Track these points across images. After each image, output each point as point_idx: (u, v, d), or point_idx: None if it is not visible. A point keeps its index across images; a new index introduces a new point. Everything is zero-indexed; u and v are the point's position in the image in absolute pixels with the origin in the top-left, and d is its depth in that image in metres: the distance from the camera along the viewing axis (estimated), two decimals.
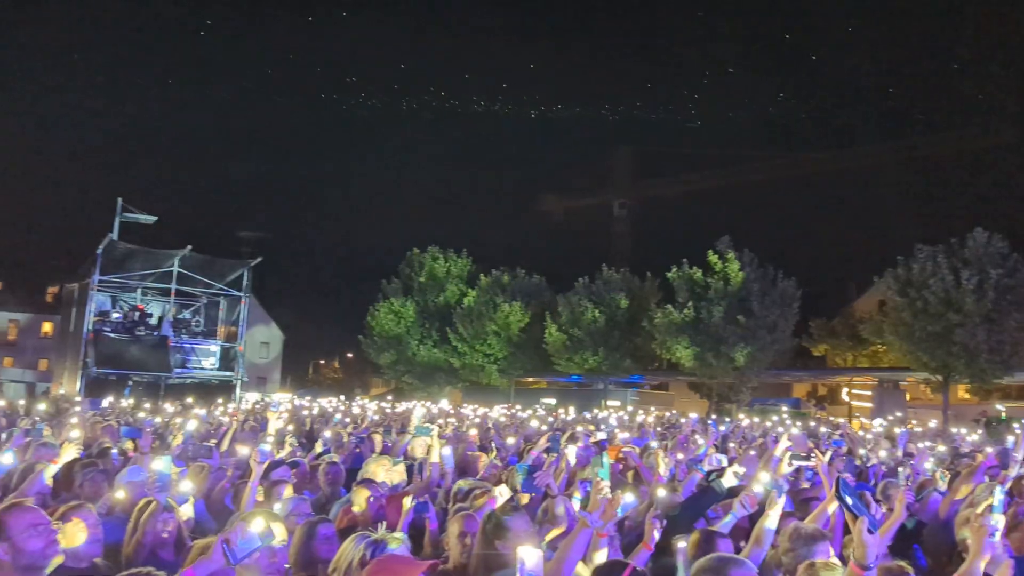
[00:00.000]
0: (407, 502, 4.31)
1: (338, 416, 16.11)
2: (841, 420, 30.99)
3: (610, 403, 40.71)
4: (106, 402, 18.50)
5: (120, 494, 5.14)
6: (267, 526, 3.29)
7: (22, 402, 19.73)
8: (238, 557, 3.14)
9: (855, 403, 46.21)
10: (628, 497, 3.61)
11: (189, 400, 20.68)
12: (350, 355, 75.84)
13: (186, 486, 4.66)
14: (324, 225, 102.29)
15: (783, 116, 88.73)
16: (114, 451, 7.30)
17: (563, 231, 78.06)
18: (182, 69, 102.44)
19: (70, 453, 5.86)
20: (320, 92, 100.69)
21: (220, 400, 22.90)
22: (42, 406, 14.90)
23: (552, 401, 44.13)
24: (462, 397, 46.81)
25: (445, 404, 28.32)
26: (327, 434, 9.53)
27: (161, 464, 4.56)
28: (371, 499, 4.56)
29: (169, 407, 18.23)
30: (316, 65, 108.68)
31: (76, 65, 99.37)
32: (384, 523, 3.97)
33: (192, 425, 9.40)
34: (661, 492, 4.77)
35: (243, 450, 6.95)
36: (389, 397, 40.25)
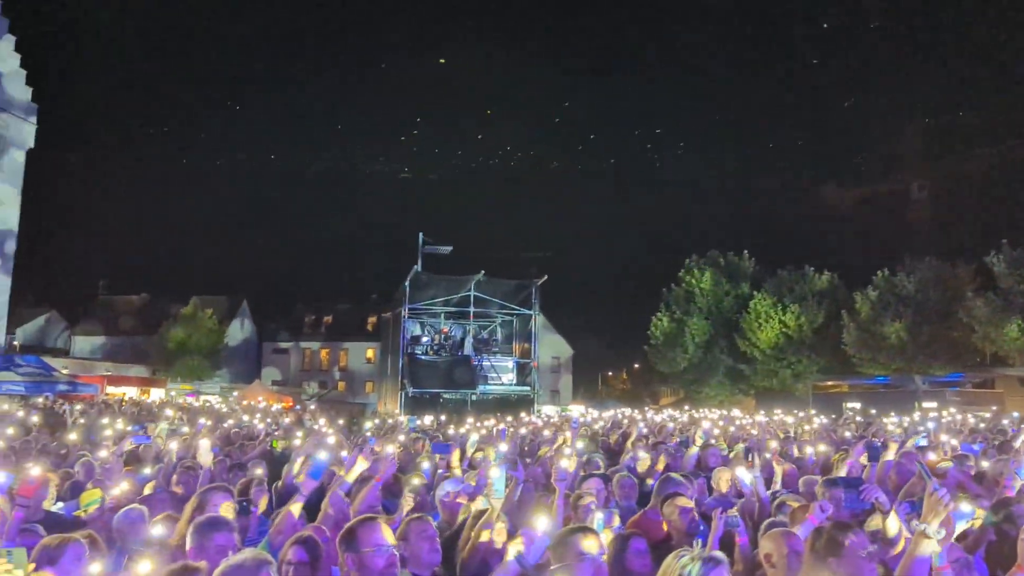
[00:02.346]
0: (715, 517, 4.25)
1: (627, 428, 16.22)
2: None
3: (926, 405, 36.92)
4: (425, 419, 20.39)
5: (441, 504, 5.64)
6: (553, 529, 3.37)
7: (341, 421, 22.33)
8: (529, 562, 3.27)
9: None
10: (964, 507, 3.26)
11: (499, 415, 22.01)
12: (637, 366, 76.22)
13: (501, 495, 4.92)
14: (602, 239, 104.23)
15: None
16: (425, 466, 7.94)
17: (853, 222, 72.31)
18: (469, 111, 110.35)
19: (390, 469, 6.54)
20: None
21: (523, 414, 24.22)
22: (369, 424, 16.81)
23: (856, 405, 41.06)
24: (755, 404, 45.06)
25: (737, 413, 27.42)
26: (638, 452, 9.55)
27: (496, 473, 4.80)
28: (684, 512, 4.55)
29: (471, 422, 19.54)
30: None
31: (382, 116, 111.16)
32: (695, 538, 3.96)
33: (475, 437, 9.98)
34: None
35: (559, 462, 7.32)
36: (686, 407, 39.79)
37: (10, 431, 10.98)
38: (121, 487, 6.34)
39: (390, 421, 19.94)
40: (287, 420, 18.88)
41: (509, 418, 20.95)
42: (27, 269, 39.90)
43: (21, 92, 36.19)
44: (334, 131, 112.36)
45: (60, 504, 6.74)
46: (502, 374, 33.10)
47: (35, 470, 4.72)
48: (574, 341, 71.51)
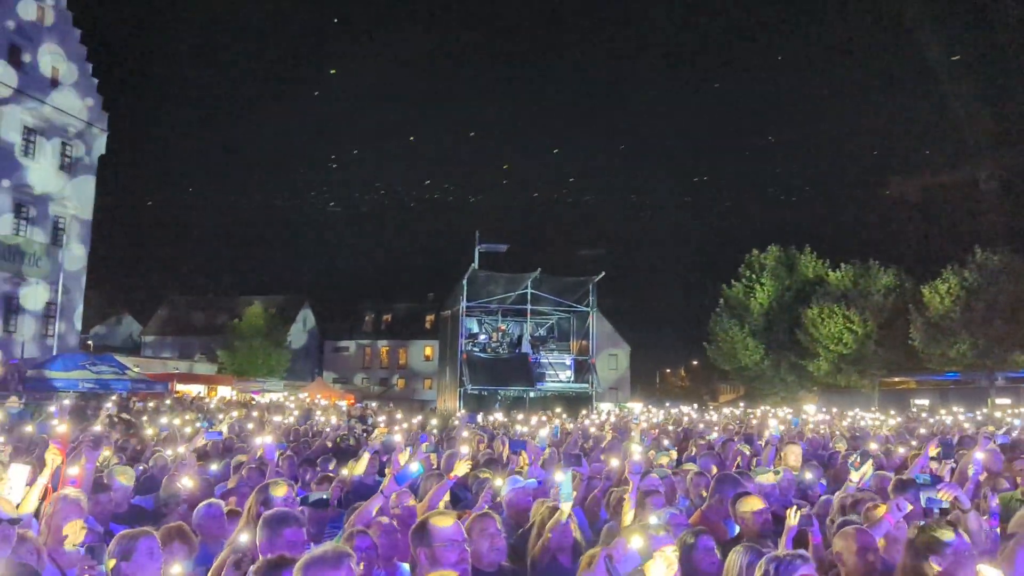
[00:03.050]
0: (791, 514, 4.18)
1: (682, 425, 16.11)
2: None
3: (999, 401, 35.73)
4: (480, 417, 20.53)
5: (508, 501, 5.67)
6: (647, 543, 3.34)
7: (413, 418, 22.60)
8: (619, 573, 3.29)
9: None
10: None
11: (558, 410, 22.04)
12: (696, 362, 75.45)
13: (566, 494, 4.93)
14: (661, 235, 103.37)
15: None
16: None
17: (919, 214, 70.14)
18: (538, 111, 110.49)
19: (462, 468, 6.59)
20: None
21: (584, 411, 24.18)
22: (434, 421, 17.02)
23: (924, 402, 39.96)
24: (818, 401, 44.18)
25: (811, 408, 26.90)
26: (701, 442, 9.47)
27: (562, 476, 4.77)
28: (757, 513, 4.47)
29: (534, 419, 19.58)
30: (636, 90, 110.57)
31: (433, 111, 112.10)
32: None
33: (544, 432, 10.00)
34: None
35: (613, 461, 7.31)
36: (741, 404, 39.25)
37: (97, 427, 11.37)
38: (194, 482, 6.55)
39: (455, 420, 20.14)
40: (351, 417, 19.22)
41: (564, 415, 20.95)
42: (100, 271, 41.39)
43: (93, 100, 37.48)
44: (389, 131, 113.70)
45: (137, 498, 6.97)
46: (560, 371, 33.06)
47: (72, 469, 4.81)
48: (632, 338, 71.16)
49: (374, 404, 36.87)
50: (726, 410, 30.74)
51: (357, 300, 72.84)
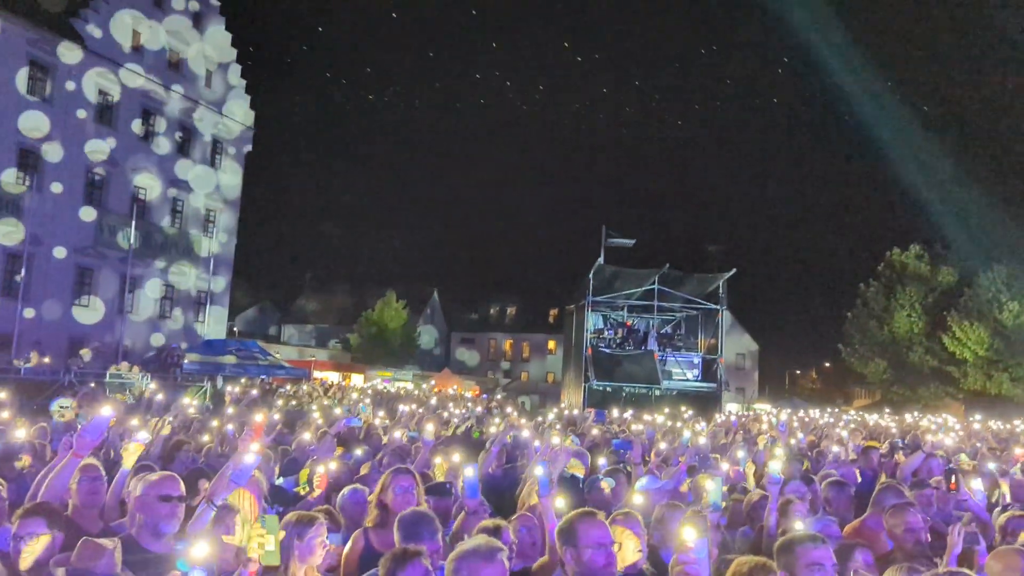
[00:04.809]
0: (952, 532, 3.92)
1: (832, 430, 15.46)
2: None
3: None
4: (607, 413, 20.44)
5: (638, 500, 5.61)
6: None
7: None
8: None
9: None
10: None
11: (684, 410, 21.68)
12: (828, 364, 72.52)
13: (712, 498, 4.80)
14: (792, 232, 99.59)
15: None
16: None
17: None
18: (662, 100, 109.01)
19: (564, 461, 6.55)
20: (774, 96, 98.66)
21: (717, 413, 23.67)
22: (551, 415, 17.10)
23: None
24: (964, 411, 41.38)
25: (951, 419, 25.32)
26: (835, 448, 9.11)
27: (712, 485, 4.69)
28: (910, 530, 4.19)
29: (660, 418, 19.32)
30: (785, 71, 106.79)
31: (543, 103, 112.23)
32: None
33: (687, 435, 9.81)
34: None
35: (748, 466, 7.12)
36: (887, 410, 37.26)
37: (275, 415, 12.07)
38: (332, 466, 6.85)
39: (573, 412, 20.15)
40: (478, 408, 19.58)
41: (688, 414, 20.57)
42: (244, 263, 43.87)
43: (241, 100, 39.78)
44: (519, 126, 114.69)
45: (281, 479, 7.34)
46: (686, 370, 32.42)
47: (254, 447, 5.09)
48: (761, 337, 69.06)
49: (499, 396, 37.39)
50: (867, 416, 29.32)
51: (483, 293, 74.07)
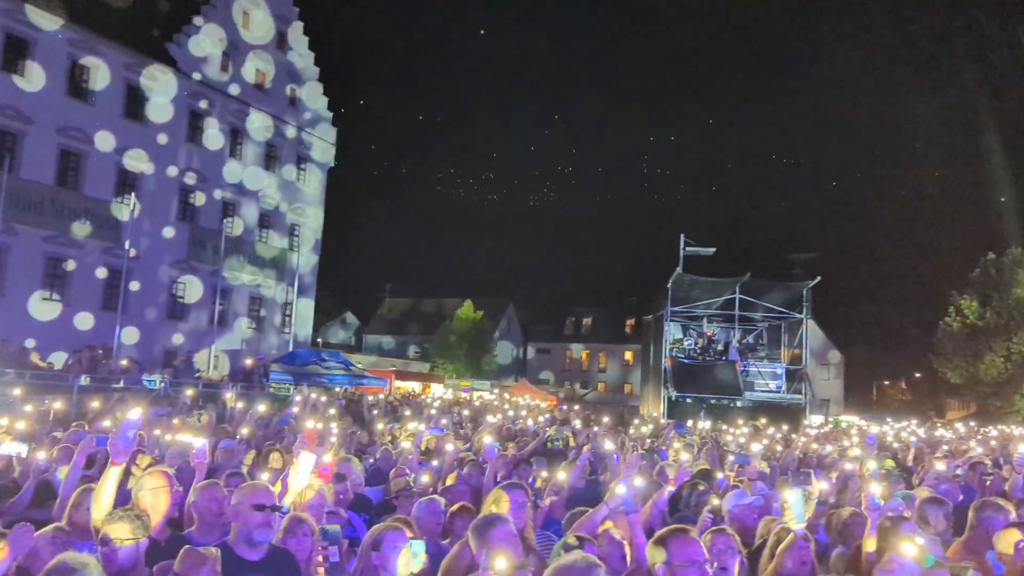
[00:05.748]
0: None
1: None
2: None
3: None
4: (689, 423, 20.10)
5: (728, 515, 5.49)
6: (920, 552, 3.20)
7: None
8: None
9: None
10: None
11: (763, 421, 21.20)
12: (918, 375, 69.82)
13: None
14: (878, 237, 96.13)
15: None
16: (720, 476, 7.82)
17: None
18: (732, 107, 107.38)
19: (682, 476, 6.49)
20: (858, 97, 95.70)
21: (806, 424, 23.05)
22: (645, 429, 16.93)
23: None
24: None
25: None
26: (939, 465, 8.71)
27: (793, 496, 4.55)
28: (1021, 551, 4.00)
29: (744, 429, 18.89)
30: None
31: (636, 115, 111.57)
32: None
33: (757, 447, 9.58)
34: None
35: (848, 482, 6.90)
36: (972, 423, 35.59)
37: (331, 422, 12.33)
38: (428, 477, 6.95)
39: (661, 423, 19.91)
40: (556, 419, 19.54)
41: (771, 426, 20.08)
42: (327, 275, 44.91)
43: (324, 117, 40.93)
44: (595, 135, 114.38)
45: (366, 489, 7.46)
46: (769, 380, 31.70)
47: (327, 456, 5.24)
48: (846, 347, 66.91)
49: (576, 407, 37.23)
50: (960, 427, 28.06)
51: (559, 304, 74.02)
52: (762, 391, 31.05)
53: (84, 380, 18.35)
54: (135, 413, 4.24)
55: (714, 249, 33.03)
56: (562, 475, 6.47)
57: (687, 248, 32.72)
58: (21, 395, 13.13)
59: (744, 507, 5.44)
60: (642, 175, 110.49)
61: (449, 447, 8.71)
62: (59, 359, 22.68)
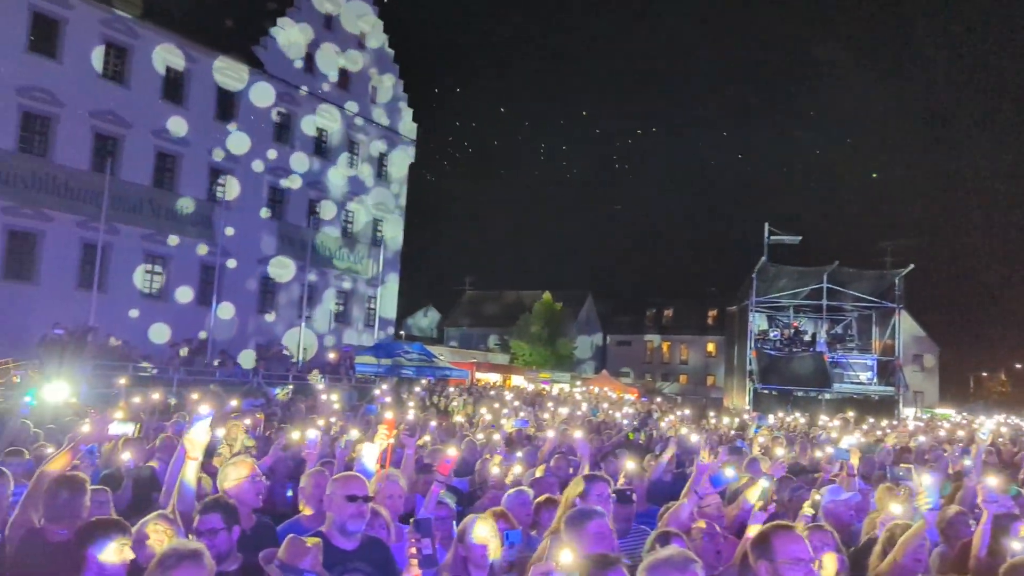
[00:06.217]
0: None
1: None
2: None
3: None
4: (771, 418, 19.69)
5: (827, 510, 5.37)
6: None
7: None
8: None
9: None
10: None
11: (851, 414, 20.61)
12: (1019, 366, 66.62)
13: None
14: (974, 221, 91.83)
15: None
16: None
17: None
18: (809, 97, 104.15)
19: (778, 470, 6.33)
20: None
21: (904, 417, 22.28)
22: (726, 420, 16.67)
23: None
24: None
25: None
26: None
27: (929, 480, 4.44)
28: None
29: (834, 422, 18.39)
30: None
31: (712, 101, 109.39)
32: None
33: (850, 440, 9.29)
34: None
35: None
36: None
37: (411, 414, 12.55)
38: (510, 469, 7.01)
39: (745, 417, 19.56)
40: (639, 411, 19.43)
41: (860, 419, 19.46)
42: (409, 269, 45.66)
43: (405, 114, 41.58)
44: (675, 122, 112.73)
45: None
46: (860, 372, 30.70)
47: (451, 450, 5.37)
48: (941, 337, 64.22)
49: (659, 399, 36.88)
50: None
51: (639, 295, 73.31)
52: (852, 383, 30.14)
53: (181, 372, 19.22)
54: (205, 409, 4.30)
55: (800, 237, 32.16)
56: (631, 465, 6.40)
57: (772, 237, 31.93)
58: (126, 384, 13.86)
59: (841, 503, 5.33)
60: (724, 163, 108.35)
61: (550, 434, 8.78)
62: (158, 351, 23.78)
